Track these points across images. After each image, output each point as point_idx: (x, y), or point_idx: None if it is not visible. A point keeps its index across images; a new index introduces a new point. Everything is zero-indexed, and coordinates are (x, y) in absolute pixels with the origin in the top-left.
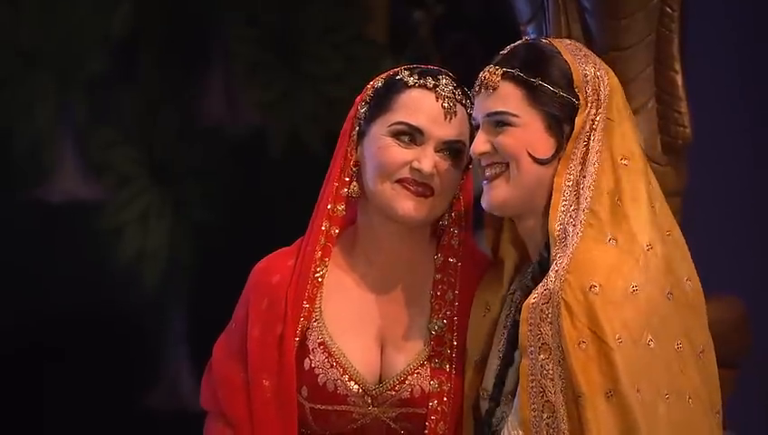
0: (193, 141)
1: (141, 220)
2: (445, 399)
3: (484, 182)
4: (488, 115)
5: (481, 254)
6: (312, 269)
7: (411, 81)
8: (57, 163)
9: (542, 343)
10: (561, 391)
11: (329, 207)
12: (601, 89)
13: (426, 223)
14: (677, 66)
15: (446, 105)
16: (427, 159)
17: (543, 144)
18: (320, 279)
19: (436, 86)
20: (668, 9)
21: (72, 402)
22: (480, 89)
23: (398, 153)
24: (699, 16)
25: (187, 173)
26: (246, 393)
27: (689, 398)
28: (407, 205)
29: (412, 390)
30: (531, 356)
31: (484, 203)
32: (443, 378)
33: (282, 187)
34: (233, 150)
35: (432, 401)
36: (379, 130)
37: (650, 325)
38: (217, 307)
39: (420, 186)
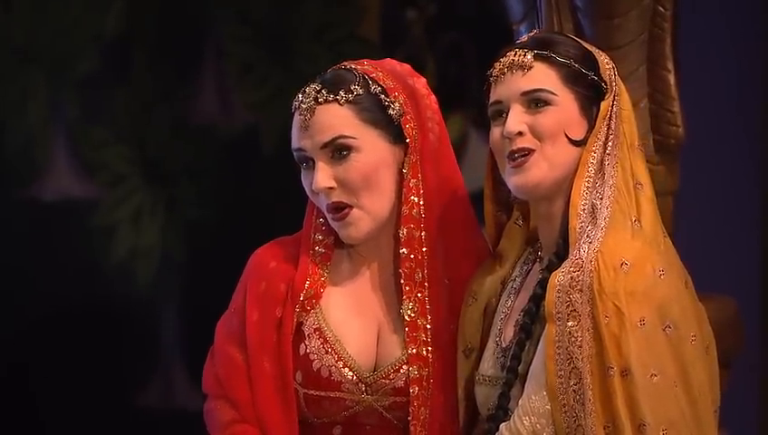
0: (186, 140)
1: (134, 218)
2: (424, 383)
3: (512, 165)
4: (524, 94)
5: (478, 242)
6: (318, 261)
7: (294, 105)
8: (50, 161)
9: (572, 311)
10: (589, 358)
11: (311, 235)
12: (615, 78)
13: (376, 229)
14: (670, 65)
15: (302, 115)
16: (317, 177)
17: (579, 125)
18: (325, 275)
19: (301, 102)
20: (661, 8)
21: (64, 400)
22: (509, 70)
23: (307, 181)
24: (692, 15)
25: (180, 171)
26: (248, 375)
27: (698, 393)
28: (343, 232)
29: (406, 379)
30: (558, 323)
31: (514, 184)
32: (421, 363)
33: (274, 184)
34: (226, 149)
35: (413, 388)
36: None
37: (672, 312)
38: (210, 305)
39: (336, 205)
